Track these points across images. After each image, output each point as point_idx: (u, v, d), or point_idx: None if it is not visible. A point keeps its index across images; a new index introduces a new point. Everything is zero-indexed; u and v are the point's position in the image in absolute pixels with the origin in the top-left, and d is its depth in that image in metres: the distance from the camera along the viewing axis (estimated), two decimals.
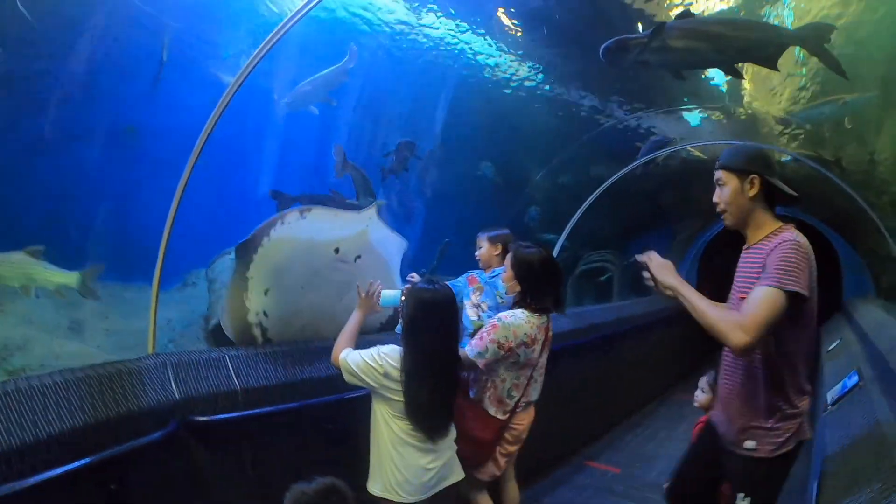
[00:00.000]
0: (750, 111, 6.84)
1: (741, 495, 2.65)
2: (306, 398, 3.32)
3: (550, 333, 3.57)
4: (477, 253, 4.34)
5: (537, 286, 3.42)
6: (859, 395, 4.56)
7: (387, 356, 2.92)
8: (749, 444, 2.65)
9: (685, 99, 6.78)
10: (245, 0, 6.61)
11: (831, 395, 5.09)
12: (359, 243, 3.65)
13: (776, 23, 5.29)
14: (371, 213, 3.63)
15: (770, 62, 4.94)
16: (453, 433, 3.09)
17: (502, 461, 3.59)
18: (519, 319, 3.33)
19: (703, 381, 3.91)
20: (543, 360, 3.59)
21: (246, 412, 3.03)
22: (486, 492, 3.66)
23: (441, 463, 3.00)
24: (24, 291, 5.22)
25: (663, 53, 4.91)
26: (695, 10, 5.23)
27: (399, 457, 2.92)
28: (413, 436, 2.92)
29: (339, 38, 6.57)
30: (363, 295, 3.22)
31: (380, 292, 3.24)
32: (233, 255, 6.84)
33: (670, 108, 7.01)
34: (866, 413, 3.94)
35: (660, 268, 2.71)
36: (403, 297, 3.18)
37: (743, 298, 2.49)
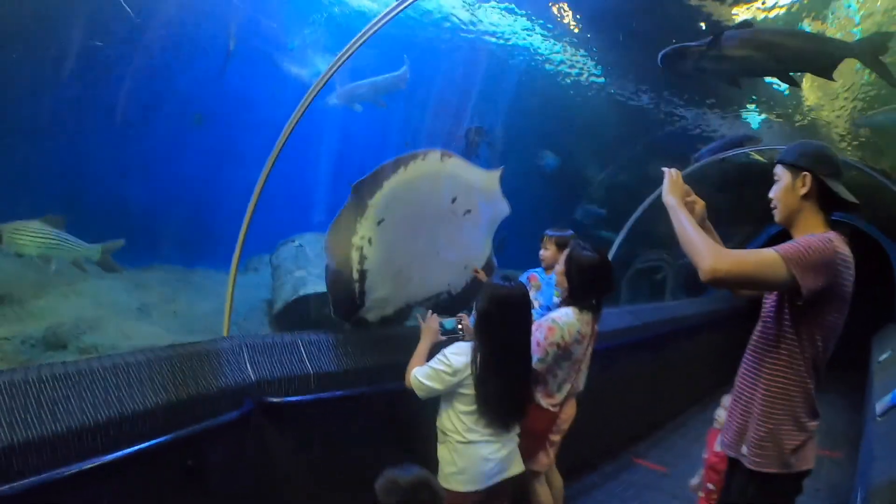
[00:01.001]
0: (811, 115, 6.73)
1: None
2: (375, 384, 3.40)
3: (597, 328, 3.65)
4: (542, 252, 4.41)
5: (583, 288, 3.50)
6: None
7: (454, 354, 2.99)
8: (744, 448, 2.55)
9: (752, 97, 6.71)
10: None
11: (880, 407, 5.01)
12: (473, 199, 3.77)
13: (838, 35, 5.23)
14: (496, 175, 3.79)
15: (826, 73, 4.98)
16: (517, 427, 3.14)
17: (552, 451, 3.72)
18: (570, 317, 3.42)
19: (726, 399, 3.56)
20: (589, 353, 3.68)
21: (317, 395, 3.12)
22: (543, 480, 3.76)
23: (503, 454, 3.03)
24: (44, 260, 5.30)
25: (720, 62, 5.01)
26: (759, 12, 5.19)
27: (463, 447, 2.97)
28: (481, 427, 2.96)
29: (406, 35, 6.61)
30: (425, 325, 3.33)
31: (439, 323, 3.35)
32: (298, 243, 6.96)
33: (732, 108, 6.95)
34: None
35: (672, 184, 2.63)
36: (460, 326, 3.36)
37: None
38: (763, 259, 2.24)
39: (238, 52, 7.36)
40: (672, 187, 2.61)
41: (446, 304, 4.11)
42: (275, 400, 2.95)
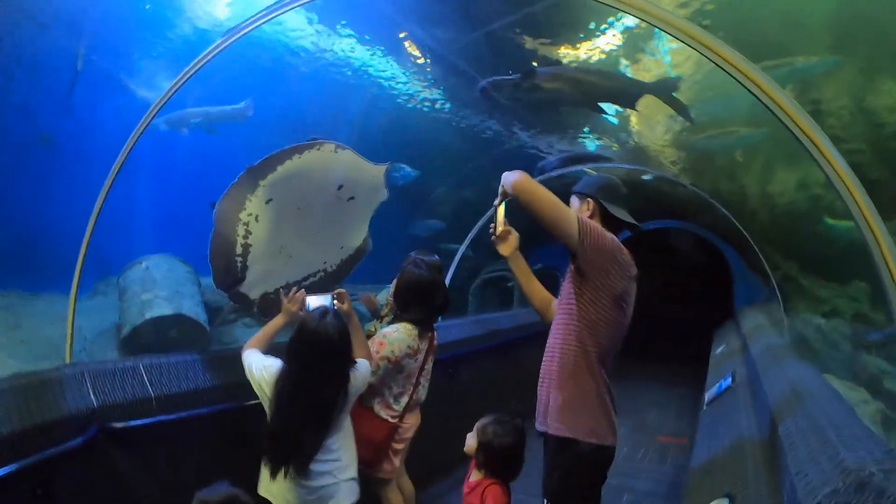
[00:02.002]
0: (640, 141, 7.48)
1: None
2: (216, 404, 3.50)
3: (435, 343, 3.89)
4: None
5: (412, 304, 3.69)
6: (730, 397, 5.00)
7: (265, 369, 2.97)
8: (549, 420, 2.88)
9: (585, 130, 7.42)
10: (162, 12, 6.65)
11: (708, 396, 5.55)
12: (358, 188, 4.04)
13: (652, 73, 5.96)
14: (383, 168, 4.00)
15: (629, 104, 5.88)
16: (343, 463, 3.04)
17: (395, 459, 3.83)
18: (400, 333, 3.63)
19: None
20: (429, 366, 3.89)
21: (160, 417, 3.19)
22: (394, 486, 3.91)
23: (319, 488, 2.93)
24: None
25: (533, 93, 5.60)
26: (578, 53, 5.81)
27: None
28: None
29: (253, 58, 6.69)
30: (286, 301, 3.27)
31: (304, 300, 3.28)
32: (145, 265, 6.90)
33: (568, 134, 7.56)
34: (732, 416, 4.35)
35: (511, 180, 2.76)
36: (336, 302, 3.28)
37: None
38: (565, 209, 2.65)
39: (86, 71, 7.17)
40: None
41: (320, 282, 4.35)
42: (118, 425, 3.00)
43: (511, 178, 2.71)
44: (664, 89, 5.62)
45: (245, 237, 3.80)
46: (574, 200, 3.04)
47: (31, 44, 6.53)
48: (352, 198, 4.06)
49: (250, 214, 3.78)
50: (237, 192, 3.69)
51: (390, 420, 3.72)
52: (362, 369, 3.14)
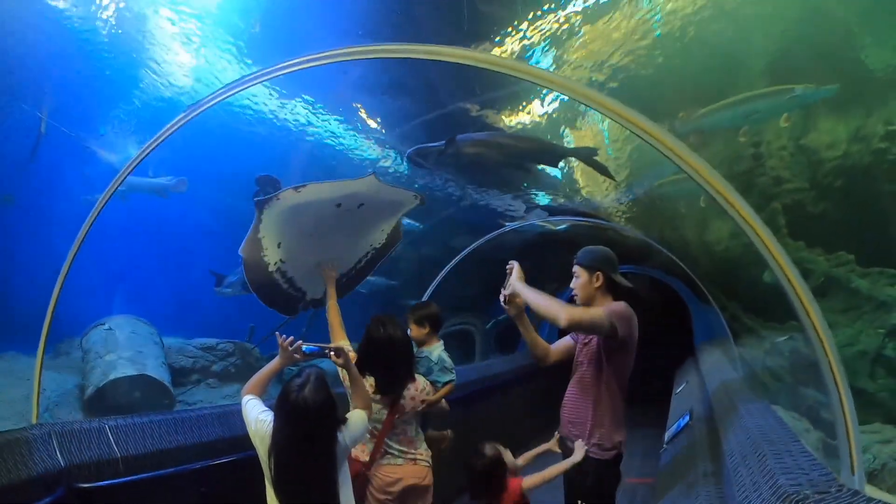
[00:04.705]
0: (586, 195, 7.80)
1: None
2: (182, 464, 3.54)
3: (401, 403, 3.84)
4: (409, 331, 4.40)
5: (372, 370, 3.71)
6: (688, 435, 5.14)
7: (259, 423, 3.00)
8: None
9: (524, 185, 7.79)
10: (125, 76, 6.80)
11: (668, 435, 5.73)
12: (358, 198, 4.26)
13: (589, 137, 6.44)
14: (370, 179, 4.11)
15: (551, 164, 6.57)
16: None
17: None
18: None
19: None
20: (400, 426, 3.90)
21: (126, 478, 3.24)
22: None
23: None
24: None
25: (457, 158, 6.06)
26: (518, 119, 6.28)
27: None
28: None
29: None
30: (283, 344, 3.21)
31: (300, 346, 3.23)
32: (108, 326, 6.93)
33: (519, 191, 7.88)
34: (689, 453, 4.48)
35: (520, 275, 3.63)
36: (328, 351, 3.29)
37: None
38: (594, 314, 3.44)
39: (49, 133, 7.28)
40: (520, 276, 3.62)
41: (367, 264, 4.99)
42: (86, 486, 3.05)
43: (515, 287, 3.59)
44: (584, 154, 6.25)
45: (284, 276, 4.41)
46: (580, 272, 3.69)
47: None
48: (361, 204, 4.31)
49: (276, 263, 4.32)
50: (251, 244, 4.14)
51: (358, 460, 3.77)
52: (354, 425, 3.14)
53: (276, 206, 3.97)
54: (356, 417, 3.19)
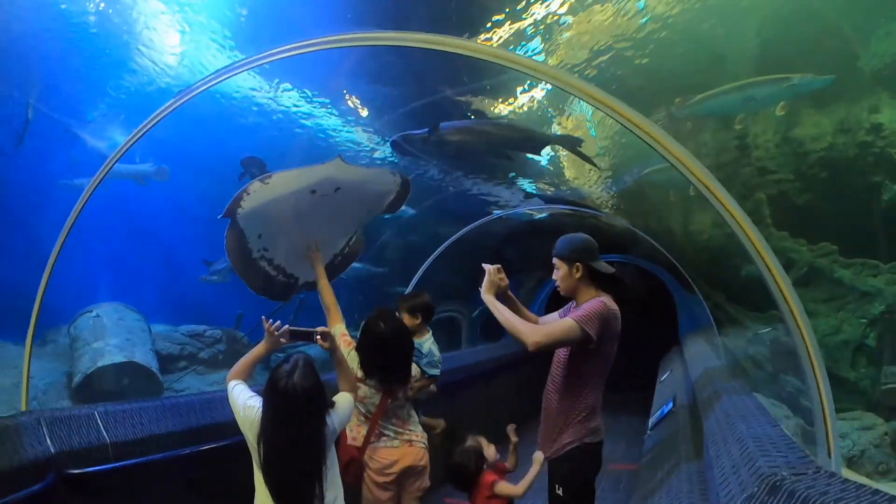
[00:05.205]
0: (573, 184, 7.86)
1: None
2: (170, 450, 3.53)
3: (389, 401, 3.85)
4: None
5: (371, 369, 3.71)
6: (671, 421, 5.18)
7: (247, 409, 2.96)
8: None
9: (511, 175, 7.81)
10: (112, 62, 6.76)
11: (651, 421, 5.78)
12: (332, 181, 4.23)
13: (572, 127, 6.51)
14: (336, 161, 4.09)
15: (534, 152, 6.61)
16: (329, 497, 2.97)
17: (378, 491, 3.83)
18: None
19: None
20: (393, 411, 3.90)
21: (116, 464, 3.24)
22: None
23: None
24: None
25: (441, 145, 6.10)
26: (508, 107, 6.35)
27: None
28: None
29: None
30: (269, 329, 3.18)
31: (286, 330, 3.19)
32: (95, 314, 6.93)
33: (506, 179, 7.91)
34: (672, 439, 4.54)
35: (489, 284, 3.47)
36: (318, 337, 3.19)
37: None
38: (565, 327, 3.26)
39: (36, 120, 7.23)
40: (489, 286, 3.47)
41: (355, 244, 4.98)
42: (75, 472, 3.04)
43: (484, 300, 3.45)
44: (568, 142, 6.29)
45: (271, 262, 4.43)
46: (560, 264, 3.56)
47: None
48: (337, 188, 4.27)
49: (260, 251, 4.34)
50: (232, 237, 4.14)
51: (353, 445, 3.81)
52: (341, 409, 3.13)
53: (247, 200, 3.99)
54: (343, 400, 3.18)
